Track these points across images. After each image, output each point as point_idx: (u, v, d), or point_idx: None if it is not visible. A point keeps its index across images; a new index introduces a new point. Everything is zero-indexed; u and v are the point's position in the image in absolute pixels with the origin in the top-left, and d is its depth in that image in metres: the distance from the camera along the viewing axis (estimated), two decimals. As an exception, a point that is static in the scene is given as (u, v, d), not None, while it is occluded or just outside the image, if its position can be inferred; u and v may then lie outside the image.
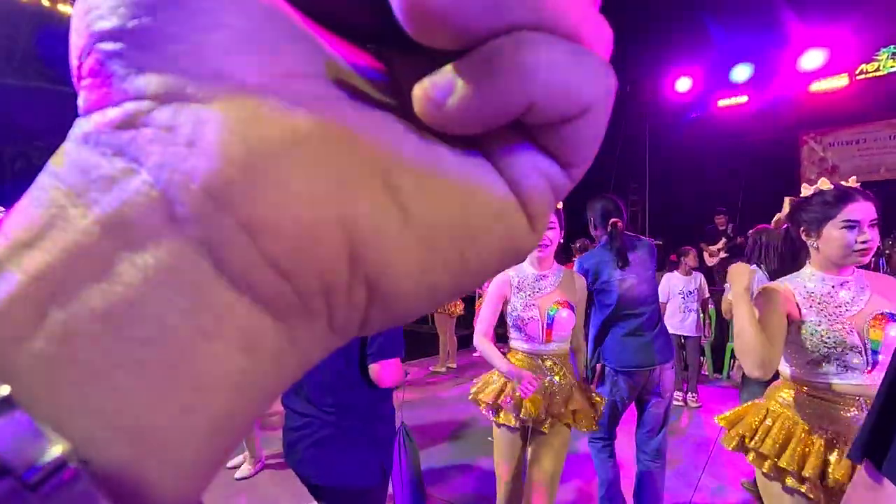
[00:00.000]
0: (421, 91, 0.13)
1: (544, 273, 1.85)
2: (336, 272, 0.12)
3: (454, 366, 5.51)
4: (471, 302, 6.13)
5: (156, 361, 0.10)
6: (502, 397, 1.81)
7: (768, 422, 1.46)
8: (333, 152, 0.12)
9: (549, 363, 1.85)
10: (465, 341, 6.57)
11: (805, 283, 1.41)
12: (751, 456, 1.48)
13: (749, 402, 1.61)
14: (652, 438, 2.34)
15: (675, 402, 4.35)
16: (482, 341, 1.83)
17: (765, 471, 1.43)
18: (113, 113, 0.12)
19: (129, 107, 0.12)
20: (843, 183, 1.42)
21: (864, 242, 1.32)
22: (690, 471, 3.07)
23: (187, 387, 0.11)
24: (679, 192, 8.08)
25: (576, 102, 0.13)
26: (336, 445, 1.35)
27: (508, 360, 1.87)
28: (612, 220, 2.26)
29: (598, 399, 1.90)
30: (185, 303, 0.11)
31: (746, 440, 1.48)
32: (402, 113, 0.14)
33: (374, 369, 1.37)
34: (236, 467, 2.86)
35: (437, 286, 0.14)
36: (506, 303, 1.86)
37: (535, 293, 1.83)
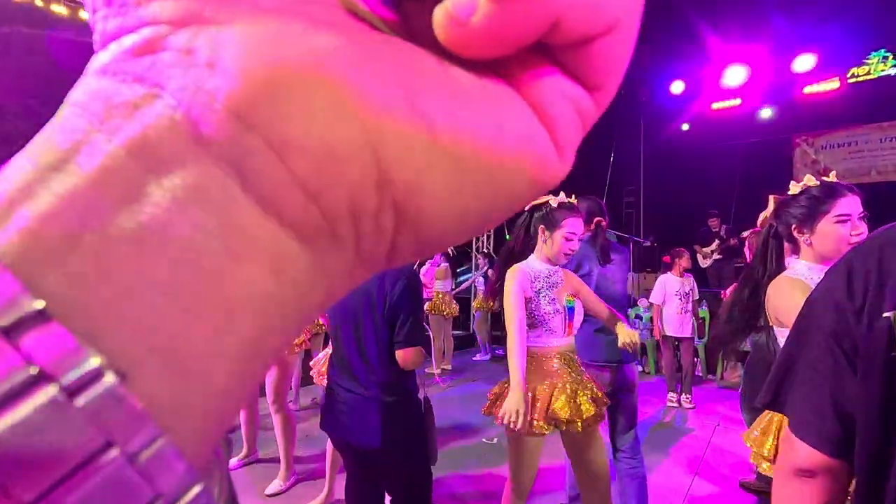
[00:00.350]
0: (442, 12, 0.12)
1: (555, 269, 1.87)
2: (364, 194, 0.12)
3: (449, 367, 5.50)
4: (466, 304, 6.14)
5: (186, 282, 0.11)
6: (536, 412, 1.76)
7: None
8: (355, 73, 0.12)
9: (561, 363, 1.85)
10: (463, 342, 6.57)
11: (807, 275, 1.41)
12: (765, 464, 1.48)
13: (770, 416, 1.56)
14: (627, 433, 2.36)
15: (669, 404, 4.39)
16: (518, 348, 1.73)
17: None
18: (130, 40, 0.12)
19: (146, 32, 0.11)
20: (825, 179, 1.44)
21: (857, 235, 1.33)
22: (684, 471, 3.08)
23: (218, 308, 0.11)
24: (673, 194, 8.13)
25: (602, 17, 0.13)
26: (374, 414, 1.69)
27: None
28: (597, 219, 2.35)
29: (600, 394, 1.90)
30: (213, 224, 0.11)
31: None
32: (419, 44, 0.13)
33: (400, 355, 1.67)
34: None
35: (466, 212, 0.14)
36: (527, 301, 1.83)
37: (552, 287, 1.84)
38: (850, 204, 1.37)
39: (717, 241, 6.60)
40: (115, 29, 0.12)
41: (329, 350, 2.13)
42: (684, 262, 4.53)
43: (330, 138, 0.11)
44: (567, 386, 1.79)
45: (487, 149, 0.13)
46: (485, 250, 6.74)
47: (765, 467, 1.49)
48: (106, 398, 0.09)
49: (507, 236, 2.12)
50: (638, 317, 5.69)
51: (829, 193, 1.39)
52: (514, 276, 1.83)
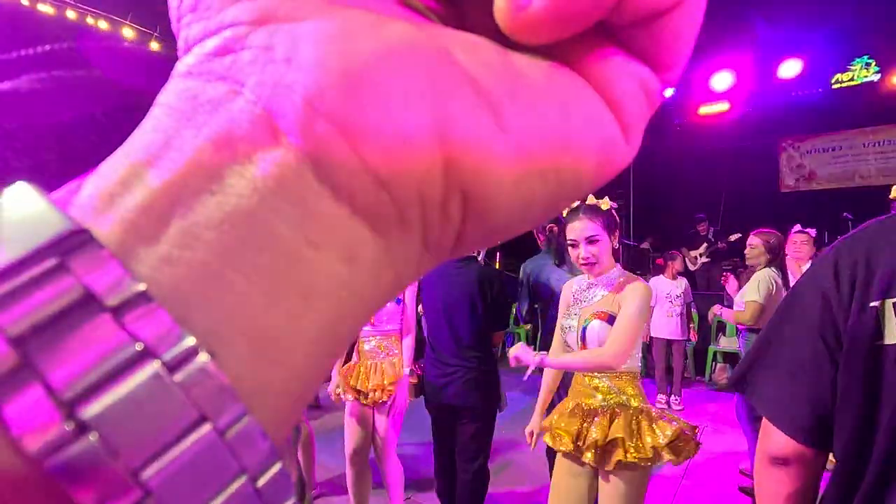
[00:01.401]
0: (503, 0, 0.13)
1: (594, 282, 1.70)
2: (432, 181, 0.12)
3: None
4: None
5: (267, 267, 0.11)
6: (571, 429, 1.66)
7: None
8: (423, 62, 0.12)
9: (596, 382, 1.69)
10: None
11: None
12: None
13: None
14: None
15: (658, 405, 4.41)
16: (549, 366, 1.75)
17: None
18: (212, 43, 0.12)
19: (227, 34, 0.12)
20: None
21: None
22: (673, 473, 3.10)
23: (296, 293, 0.11)
24: (662, 198, 8.20)
25: None
26: (474, 381, 2.28)
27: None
28: (549, 226, 2.53)
29: (665, 429, 1.64)
30: (292, 212, 0.11)
31: None
32: (477, 34, 0.14)
33: (495, 337, 2.38)
34: None
35: (532, 199, 0.14)
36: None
37: (580, 302, 1.73)
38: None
39: (704, 245, 6.66)
40: (199, 33, 0.13)
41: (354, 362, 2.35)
42: (677, 264, 4.57)
43: (399, 127, 0.12)
44: (593, 408, 1.66)
45: (552, 136, 0.13)
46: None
47: (546, 439, 1.53)
48: (200, 375, 0.10)
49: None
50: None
51: None
52: (564, 289, 1.82)
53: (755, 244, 2.93)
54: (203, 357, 0.10)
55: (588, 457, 1.60)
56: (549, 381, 1.93)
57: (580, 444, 1.62)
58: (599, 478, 1.67)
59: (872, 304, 0.66)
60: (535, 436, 1.79)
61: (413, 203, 0.12)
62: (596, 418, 1.64)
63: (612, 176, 0.15)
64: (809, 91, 7.18)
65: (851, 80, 6.97)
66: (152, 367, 0.09)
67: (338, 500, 2.67)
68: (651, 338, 4.60)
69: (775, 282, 2.81)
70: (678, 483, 2.95)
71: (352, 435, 2.30)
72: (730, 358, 5.21)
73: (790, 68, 7.13)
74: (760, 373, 0.80)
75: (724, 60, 7.39)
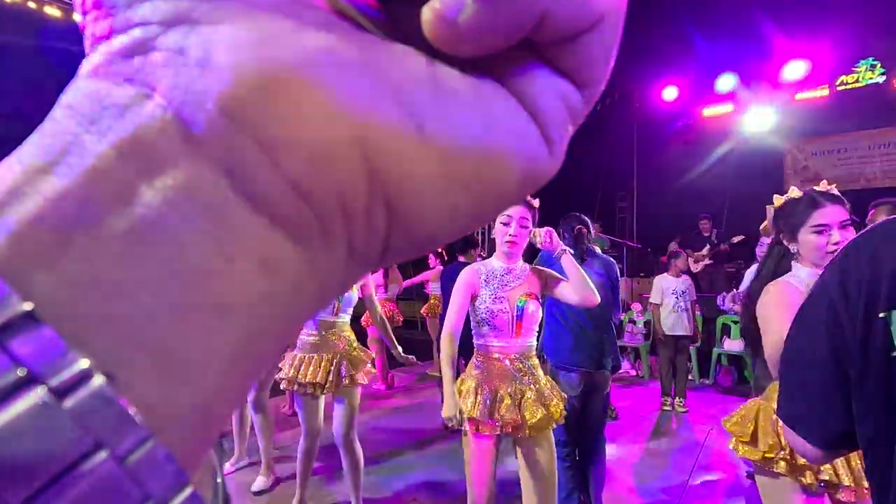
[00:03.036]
0: (430, 11, 0.13)
1: (511, 267, 1.86)
2: (354, 191, 0.12)
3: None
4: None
5: (178, 282, 0.11)
6: (478, 407, 1.76)
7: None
8: (344, 72, 0.12)
9: (515, 364, 1.82)
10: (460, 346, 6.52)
11: (806, 281, 1.42)
12: (741, 448, 1.52)
13: (752, 404, 1.60)
14: (595, 432, 2.48)
15: (663, 408, 4.40)
16: (448, 345, 1.81)
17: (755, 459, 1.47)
18: (120, 41, 0.12)
19: (137, 33, 0.11)
20: (814, 188, 1.46)
21: (835, 244, 1.35)
22: (678, 475, 3.09)
23: (209, 308, 0.11)
24: (666, 199, 8.18)
25: (588, 13, 0.13)
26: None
27: (475, 360, 1.88)
28: (576, 227, 2.54)
29: (558, 401, 1.85)
30: (205, 224, 0.11)
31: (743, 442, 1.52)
32: (407, 44, 0.14)
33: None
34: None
35: (457, 209, 0.14)
36: (474, 298, 1.85)
37: (503, 286, 1.83)
38: (831, 213, 1.39)
39: (707, 247, 6.62)
40: (106, 31, 0.12)
41: (291, 354, 2.32)
42: (680, 263, 4.56)
43: (318, 138, 0.11)
44: (513, 390, 1.77)
45: (475, 147, 0.13)
46: (480, 253, 6.72)
47: (741, 451, 1.52)
48: (94, 400, 0.09)
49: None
50: (632, 321, 5.71)
51: (808, 204, 1.42)
52: (462, 273, 1.87)
53: (767, 244, 2.91)
54: (98, 380, 0.09)
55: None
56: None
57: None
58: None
59: (881, 314, 0.64)
60: (456, 417, 1.79)
61: (335, 214, 0.12)
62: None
63: (537, 187, 0.15)
64: (814, 93, 7.15)
65: (857, 81, 6.95)
66: (37, 394, 0.09)
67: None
68: (657, 336, 4.58)
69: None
70: (684, 485, 2.94)
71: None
72: (734, 360, 5.19)
73: (795, 70, 7.11)
74: (783, 377, 0.81)
75: (729, 62, 7.38)
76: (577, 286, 1.82)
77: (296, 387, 2.27)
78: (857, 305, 0.67)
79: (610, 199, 8.94)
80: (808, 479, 1.37)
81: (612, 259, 2.68)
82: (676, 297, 4.46)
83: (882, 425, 0.65)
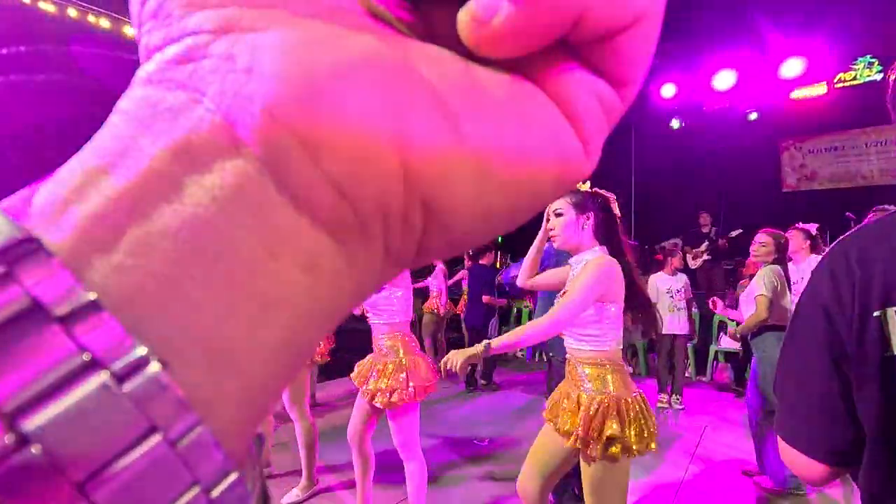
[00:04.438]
0: (466, 14, 0.13)
1: (575, 260, 1.76)
2: (392, 191, 0.12)
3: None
4: (456, 305, 6.13)
5: (225, 276, 0.11)
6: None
7: None
8: (383, 75, 0.12)
9: (581, 369, 1.68)
10: (456, 344, 6.55)
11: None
12: None
13: None
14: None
15: (659, 405, 4.41)
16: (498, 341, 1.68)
17: None
18: (173, 50, 0.12)
19: (189, 42, 0.12)
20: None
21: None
22: (674, 472, 3.10)
23: (254, 302, 0.11)
24: (663, 197, 8.19)
25: (626, 11, 0.13)
26: None
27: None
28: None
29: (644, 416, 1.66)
30: (251, 221, 0.11)
31: None
32: (442, 46, 0.14)
33: None
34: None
35: (492, 210, 0.14)
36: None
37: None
38: None
39: (706, 243, 6.61)
40: (160, 40, 0.13)
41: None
42: (676, 261, 4.57)
43: (359, 139, 0.12)
44: (576, 400, 1.65)
45: (511, 148, 0.13)
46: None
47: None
48: (150, 385, 0.10)
49: (499, 238, 2.15)
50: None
51: None
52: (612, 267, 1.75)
53: (766, 241, 2.91)
54: (154, 367, 0.10)
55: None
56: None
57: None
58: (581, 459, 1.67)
59: (875, 313, 0.64)
60: (459, 362, 1.62)
61: (374, 213, 0.13)
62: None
63: (572, 187, 0.15)
64: (812, 90, 7.15)
65: (854, 79, 6.95)
66: (99, 378, 0.09)
67: (341, 495, 2.67)
68: (654, 334, 4.59)
69: (779, 277, 2.81)
70: (679, 482, 2.95)
71: None
72: (731, 358, 5.20)
73: (792, 67, 7.11)
74: (778, 390, 0.78)
75: (727, 59, 7.37)
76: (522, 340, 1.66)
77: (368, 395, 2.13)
78: (852, 306, 0.66)
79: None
80: None
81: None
82: (672, 296, 4.47)
83: (879, 429, 0.64)
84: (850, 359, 0.67)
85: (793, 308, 0.84)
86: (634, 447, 1.58)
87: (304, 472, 2.72)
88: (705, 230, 6.68)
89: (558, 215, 1.72)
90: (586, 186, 1.76)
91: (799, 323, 0.75)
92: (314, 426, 2.70)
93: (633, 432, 1.59)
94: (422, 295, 5.60)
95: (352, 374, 2.25)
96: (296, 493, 2.68)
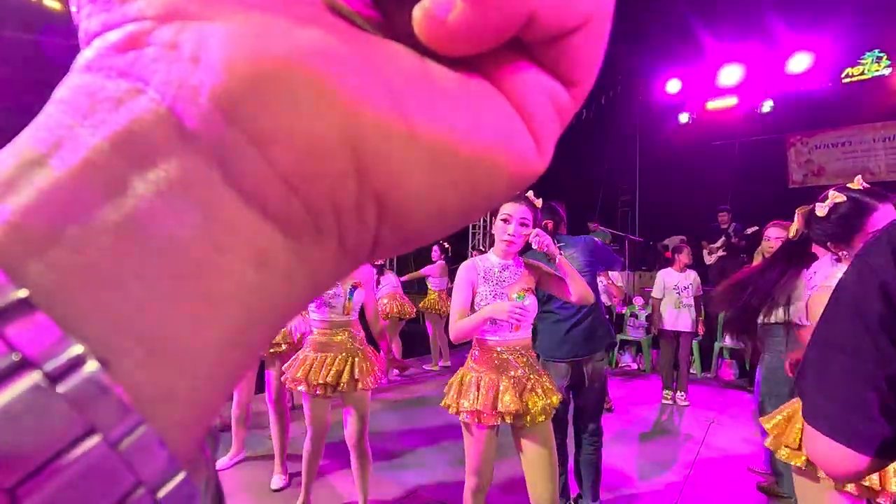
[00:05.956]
0: (421, 10, 0.13)
1: (507, 263, 1.87)
2: (344, 186, 0.12)
3: (448, 364, 5.51)
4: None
5: (169, 272, 0.11)
6: (480, 399, 1.80)
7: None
8: (335, 68, 0.12)
9: (514, 356, 1.86)
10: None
11: None
12: (784, 452, 1.43)
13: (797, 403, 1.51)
14: (590, 423, 2.47)
15: (664, 401, 4.41)
16: (456, 326, 1.84)
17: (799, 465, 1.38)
18: (114, 36, 0.12)
19: (131, 28, 0.12)
20: (850, 189, 1.38)
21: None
22: (679, 468, 3.10)
23: (200, 298, 0.11)
24: (669, 192, 8.15)
25: (575, 12, 0.13)
26: None
27: (473, 354, 1.90)
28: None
29: (555, 392, 1.91)
30: (197, 216, 0.11)
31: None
32: (398, 42, 0.14)
33: None
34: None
35: (445, 206, 0.14)
36: (473, 294, 1.87)
37: (501, 283, 1.85)
38: (883, 216, 1.30)
39: (723, 238, 6.53)
40: (100, 26, 0.12)
41: (301, 354, 2.25)
42: (684, 257, 4.54)
43: (310, 132, 0.12)
44: (516, 381, 1.81)
45: (464, 144, 0.13)
46: (481, 248, 6.73)
47: (783, 453, 1.45)
48: (88, 385, 0.09)
49: None
50: (633, 315, 5.71)
51: (860, 211, 1.33)
52: (461, 269, 1.88)
53: (781, 236, 2.88)
54: (91, 366, 0.09)
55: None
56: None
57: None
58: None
59: None
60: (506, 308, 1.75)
61: (325, 208, 0.12)
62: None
63: (526, 185, 0.15)
64: (819, 85, 7.10)
65: (862, 74, 6.89)
66: (31, 378, 0.09)
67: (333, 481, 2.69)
68: (659, 330, 4.58)
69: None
70: (685, 478, 2.95)
71: None
72: (736, 354, 5.19)
73: (800, 62, 7.05)
74: (811, 381, 0.72)
75: (733, 54, 7.32)
76: (576, 287, 1.84)
77: (305, 387, 2.20)
78: None
79: (612, 193, 8.93)
80: (850, 487, 1.28)
81: (585, 236, 2.61)
82: (678, 293, 4.46)
83: None
84: None
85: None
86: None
87: (277, 459, 2.78)
88: (724, 226, 6.58)
89: (524, 224, 1.83)
90: (538, 203, 1.88)
91: (847, 305, 0.69)
92: (287, 418, 2.78)
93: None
94: (422, 292, 5.62)
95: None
96: (280, 478, 2.75)
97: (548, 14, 0.13)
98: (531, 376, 1.85)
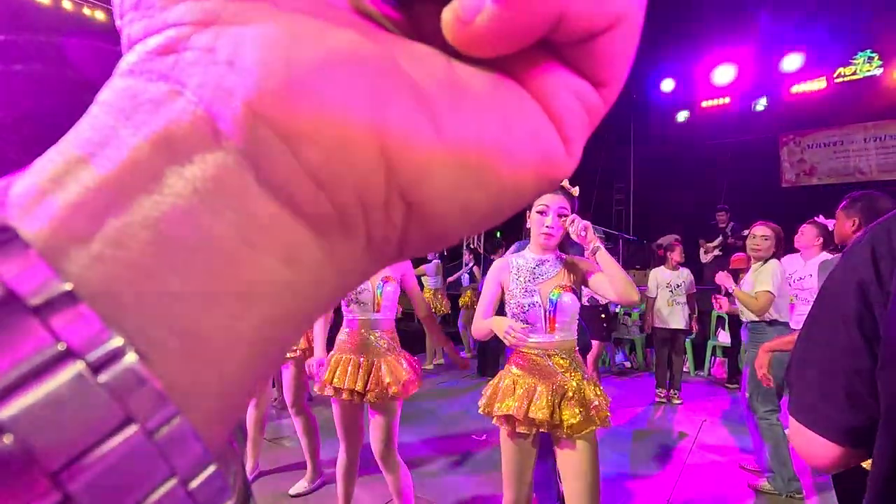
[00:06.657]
0: (450, 13, 0.13)
1: (545, 258, 1.72)
2: (372, 185, 0.12)
3: (442, 362, 5.52)
4: (455, 300, 6.14)
5: (204, 268, 0.11)
6: (515, 406, 1.64)
7: None
8: (365, 69, 0.12)
9: (554, 361, 1.68)
10: (452, 339, 6.54)
11: None
12: None
13: None
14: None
15: (657, 399, 4.43)
16: (475, 325, 1.73)
17: None
18: (154, 41, 0.12)
19: (170, 33, 0.12)
20: None
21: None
22: (672, 467, 3.11)
23: (233, 294, 0.11)
24: (663, 191, 8.19)
25: (606, 13, 0.13)
26: None
27: (513, 358, 1.74)
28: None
29: (601, 403, 1.71)
30: (231, 213, 0.11)
31: None
32: (427, 44, 0.14)
33: None
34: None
35: (471, 205, 0.14)
36: (504, 292, 1.73)
37: (535, 279, 1.69)
38: None
39: (720, 238, 6.55)
40: (142, 31, 0.13)
41: (331, 355, 2.07)
42: (676, 255, 4.57)
43: (339, 131, 0.12)
44: (555, 388, 1.65)
45: (492, 146, 0.13)
46: (472, 246, 6.72)
47: None
48: (127, 376, 0.10)
49: (498, 233, 2.10)
50: (627, 314, 5.73)
51: None
52: (492, 267, 1.80)
53: (769, 234, 2.89)
54: (131, 357, 0.10)
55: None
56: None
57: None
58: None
59: None
60: (512, 327, 1.63)
61: (353, 206, 0.13)
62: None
63: (554, 186, 0.15)
64: (811, 85, 7.14)
65: (854, 74, 6.94)
66: (75, 368, 0.09)
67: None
68: (652, 328, 4.60)
69: (782, 274, 2.80)
70: (676, 477, 2.96)
71: None
72: (729, 352, 5.22)
73: (792, 62, 7.10)
74: (795, 374, 0.76)
75: (726, 54, 7.36)
76: (617, 282, 1.62)
77: (331, 391, 2.01)
78: (890, 284, 0.64)
79: (606, 192, 8.95)
80: None
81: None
82: (671, 291, 4.48)
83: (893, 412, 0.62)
84: (879, 339, 0.65)
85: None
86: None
87: (309, 464, 2.71)
88: (722, 225, 6.59)
89: (562, 216, 1.69)
90: (576, 192, 1.73)
91: (828, 302, 0.73)
92: (312, 419, 2.70)
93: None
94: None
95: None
96: (303, 484, 2.69)
97: (577, 15, 0.13)
98: (573, 384, 1.65)
